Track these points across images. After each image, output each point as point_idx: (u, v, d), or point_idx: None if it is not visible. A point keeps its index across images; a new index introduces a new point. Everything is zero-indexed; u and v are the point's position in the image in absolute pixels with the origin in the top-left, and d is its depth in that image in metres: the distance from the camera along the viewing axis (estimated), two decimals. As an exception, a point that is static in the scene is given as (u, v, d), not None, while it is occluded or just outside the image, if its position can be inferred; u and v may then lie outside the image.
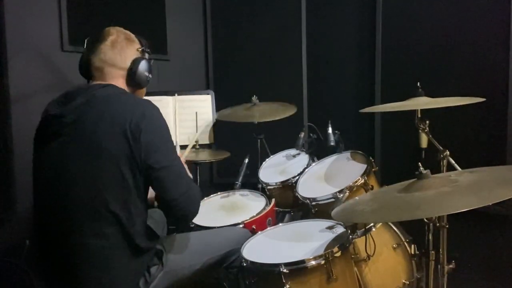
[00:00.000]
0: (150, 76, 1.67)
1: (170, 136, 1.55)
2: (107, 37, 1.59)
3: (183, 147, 2.18)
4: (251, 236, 1.84)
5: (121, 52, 1.59)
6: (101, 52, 1.57)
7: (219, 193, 2.37)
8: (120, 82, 1.60)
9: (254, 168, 2.62)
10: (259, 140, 2.78)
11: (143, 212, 1.53)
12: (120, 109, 1.47)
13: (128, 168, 1.44)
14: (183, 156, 2.00)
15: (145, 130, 1.45)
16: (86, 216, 1.43)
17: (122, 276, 1.47)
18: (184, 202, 1.51)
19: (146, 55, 1.67)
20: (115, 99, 1.51)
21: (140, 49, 1.65)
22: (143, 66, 1.62)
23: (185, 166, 1.70)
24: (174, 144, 1.60)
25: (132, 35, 1.66)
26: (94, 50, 1.58)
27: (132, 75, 1.60)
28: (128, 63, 1.60)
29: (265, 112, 2.70)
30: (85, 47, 1.63)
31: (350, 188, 1.93)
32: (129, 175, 1.44)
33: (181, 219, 1.61)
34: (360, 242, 1.75)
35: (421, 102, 1.72)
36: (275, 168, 2.54)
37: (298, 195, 2.14)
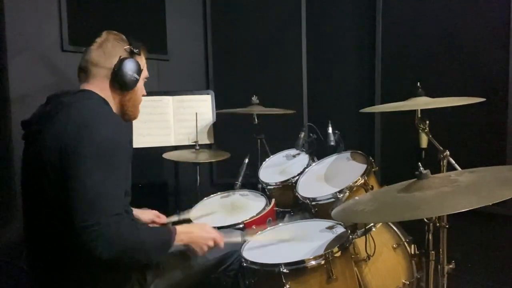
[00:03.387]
0: (137, 77, 1.55)
1: (107, 157, 1.32)
2: (97, 39, 1.54)
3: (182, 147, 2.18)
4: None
5: (105, 50, 1.52)
6: (87, 52, 1.53)
7: (219, 193, 2.37)
8: (104, 83, 1.52)
9: (254, 168, 2.62)
10: (259, 140, 2.78)
11: None
12: (69, 122, 1.35)
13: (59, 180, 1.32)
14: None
15: (76, 143, 1.30)
16: (52, 232, 1.37)
17: (111, 283, 1.42)
18: (94, 228, 1.23)
19: (135, 56, 1.56)
20: (74, 107, 1.40)
21: (128, 49, 1.55)
22: (128, 66, 1.52)
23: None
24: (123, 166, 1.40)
25: (123, 37, 1.57)
26: (84, 52, 1.54)
27: (115, 75, 1.51)
28: (113, 63, 1.51)
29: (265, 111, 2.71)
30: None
31: (350, 188, 1.93)
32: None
33: (85, 251, 1.25)
34: (360, 242, 1.75)
35: (421, 102, 1.72)
36: (275, 168, 2.54)
37: (298, 195, 2.14)
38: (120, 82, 1.52)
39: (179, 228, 1.52)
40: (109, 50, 1.52)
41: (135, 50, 1.57)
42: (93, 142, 1.32)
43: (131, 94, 1.59)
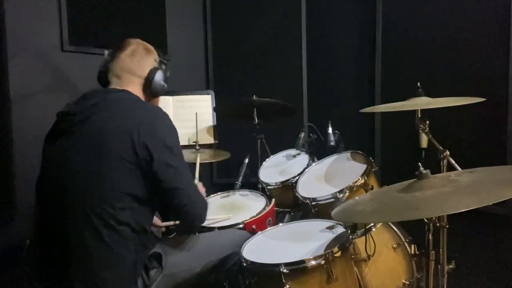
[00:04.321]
0: (166, 86, 1.72)
1: (177, 141, 1.58)
2: (127, 47, 1.66)
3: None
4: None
5: (140, 61, 1.66)
6: (121, 60, 1.64)
7: (219, 193, 2.37)
8: (136, 89, 1.66)
9: (254, 168, 2.62)
10: (259, 140, 2.78)
11: (145, 215, 1.53)
12: (130, 114, 1.51)
13: (131, 170, 1.45)
14: (196, 176, 2.17)
15: (154, 136, 1.48)
16: (84, 216, 1.44)
17: (118, 277, 1.47)
18: (194, 204, 1.56)
19: (163, 66, 1.73)
20: (127, 103, 1.56)
21: (158, 60, 1.71)
22: (159, 75, 1.69)
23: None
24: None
25: (151, 47, 1.72)
26: (114, 58, 1.65)
27: (148, 83, 1.66)
28: (146, 72, 1.66)
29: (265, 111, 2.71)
30: (106, 56, 1.70)
31: (350, 188, 1.93)
32: (131, 179, 1.46)
33: (189, 219, 1.63)
34: (360, 242, 1.75)
35: (421, 102, 1.72)
36: (275, 168, 2.54)
37: (298, 195, 2.14)
38: (152, 90, 1.68)
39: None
40: (143, 60, 1.67)
41: (164, 61, 1.74)
42: (169, 138, 1.53)
43: (156, 99, 1.77)
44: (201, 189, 1.89)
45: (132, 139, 1.45)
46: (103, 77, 1.67)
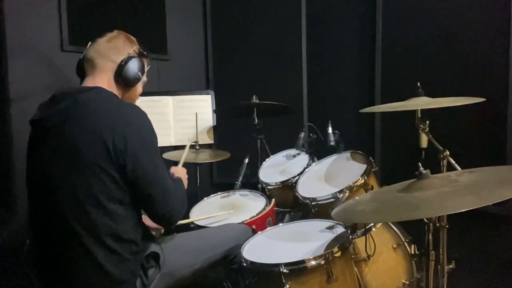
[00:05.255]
0: (140, 75, 1.60)
1: (155, 144, 1.50)
2: (107, 34, 1.59)
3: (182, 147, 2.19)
4: (251, 232, 1.84)
5: (115, 46, 1.57)
6: (97, 44, 1.57)
7: (219, 193, 2.37)
8: (108, 77, 1.55)
9: (254, 168, 2.62)
10: (259, 140, 2.78)
11: (132, 216, 1.48)
12: (102, 117, 1.42)
13: (109, 177, 1.39)
14: (181, 162, 2.00)
15: (128, 140, 1.40)
16: (70, 224, 1.40)
17: (115, 283, 1.44)
18: (171, 212, 1.52)
19: (143, 58, 1.63)
20: (98, 104, 1.45)
21: (138, 50, 1.61)
22: (134, 64, 1.57)
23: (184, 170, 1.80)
24: (159, 146, 1.56)
25: (134, 38, 1.64)
26: (92, 45, 1.58)
27: (120, 70, 1.55)
28: (120, 58, 1.56)
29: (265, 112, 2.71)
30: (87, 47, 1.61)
31: (350, 188, 1.93)
32: (110, 183, 1.40)
33: (167, 225, 1.64)
34: (360, 242, 1.75)
35: (421, 102, 1.72)
36: (275, 168, 2.54)
37: (298, 195, 2.14)
38: (123, 78, 1.56)
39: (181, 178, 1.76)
40: (120, 46, 1.58)
41: (144, 52, 1.64)
42: (144, 137, 1.46)
43: (129, 92, 1.64)
44: (183, 175, 1.80)
45: (106, 145, 1.37)
46: (81, 68, 1.57)
